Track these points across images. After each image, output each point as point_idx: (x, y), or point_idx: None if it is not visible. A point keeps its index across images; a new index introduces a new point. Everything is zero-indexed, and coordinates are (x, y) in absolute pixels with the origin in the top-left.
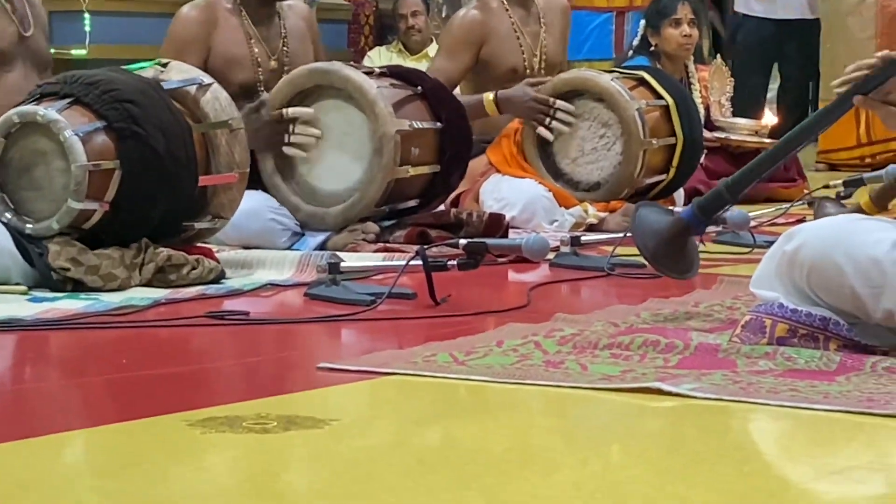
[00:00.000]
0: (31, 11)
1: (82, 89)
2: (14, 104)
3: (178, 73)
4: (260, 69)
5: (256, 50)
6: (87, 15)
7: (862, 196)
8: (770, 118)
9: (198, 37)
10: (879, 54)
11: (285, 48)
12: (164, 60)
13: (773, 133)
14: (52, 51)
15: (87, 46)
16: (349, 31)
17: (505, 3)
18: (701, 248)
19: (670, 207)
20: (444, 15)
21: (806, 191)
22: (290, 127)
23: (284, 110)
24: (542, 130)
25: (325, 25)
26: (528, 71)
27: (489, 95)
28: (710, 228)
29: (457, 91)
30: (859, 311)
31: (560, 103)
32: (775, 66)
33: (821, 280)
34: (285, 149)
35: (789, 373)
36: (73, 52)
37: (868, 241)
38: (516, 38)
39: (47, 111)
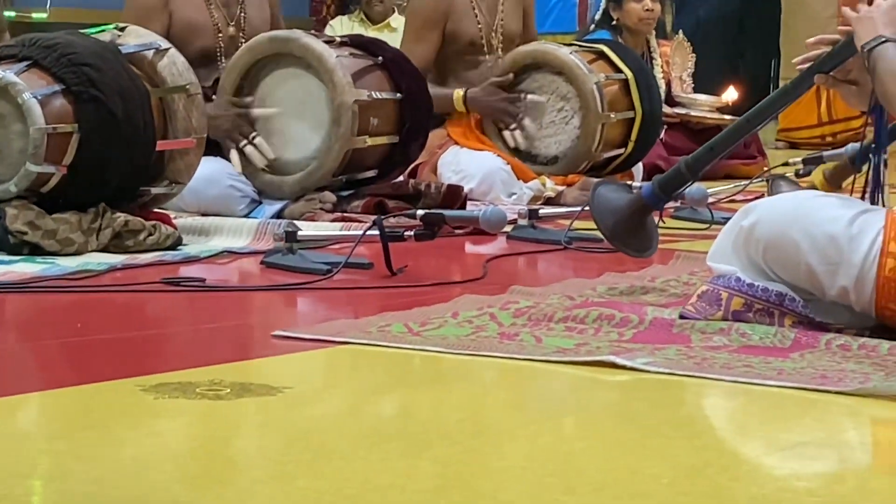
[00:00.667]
0: None
1: (40, 52)
2: None
3: (136, 38)
4: (220, 34)
5: (216, 15)
6: None
7: (817, 175)
8: (731, 94)
9: (158, 3)
10: (841, 28)
11: (243, 14)
12: (122, 25)
13: (734, 109)
14: (13, 14)
15: (47, 10)
16: None
17: None
18: (660, 225)
19: (629, 182)
20: None
21: (765, 168)
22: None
23: (254, 111)
24: (506, 134)
25: None
26: (484, 45)
27: (460, 92)
28: (668, 204)
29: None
30: (815, 287)
31: (531, 98)
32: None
33: (777, 256)
34: (247, 150)
35: (744, 349)
36: (34, 15)
37: (825, 218)
38: (473, 12)
39: (5, 74)
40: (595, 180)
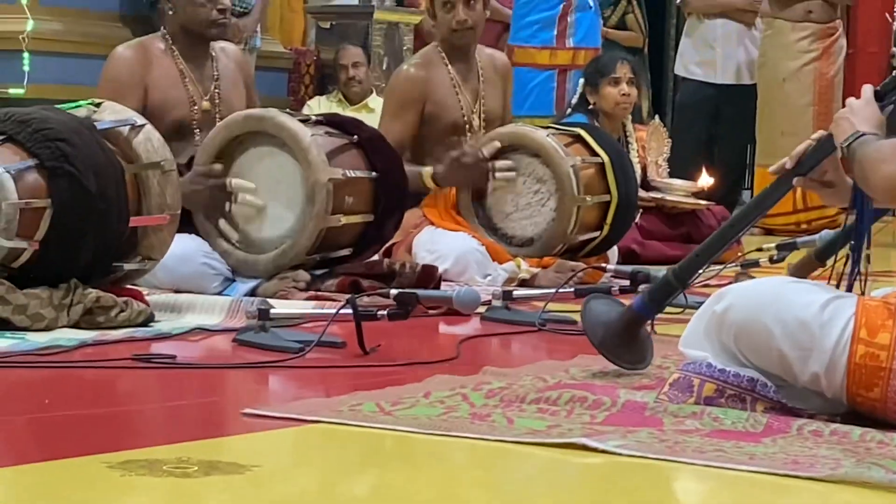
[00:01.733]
0: None
1: (15, 127)
2: None
3: (112, 114)
4: (195, 107)
5: (190, 89)
6: (26, 54)
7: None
8: (706, 180)
9: (133, 76)
10: (814, 136)
11: (217, 90)
12: (98, 100)
13: (710, 194)
14: None
15: (25, 86)
16: (289, 79)
17: (445, 58)
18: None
19: (603, 265)
20: (384, 67)
21: (740, 253)
22: (232, 197)
23: (228, 181)
24: (493, 184)
25: (265, 73)
26: (467, 127)
27: (428, 171)
28: (642, 287)
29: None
30: (787, 373)
31: (486, 148)
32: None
33: (749, 341)
34: (221, 223)
35: (716, 433)
36: (11, 90)
37: (797, 304)
38: (455, 94)
39: None
40: (570, 262)
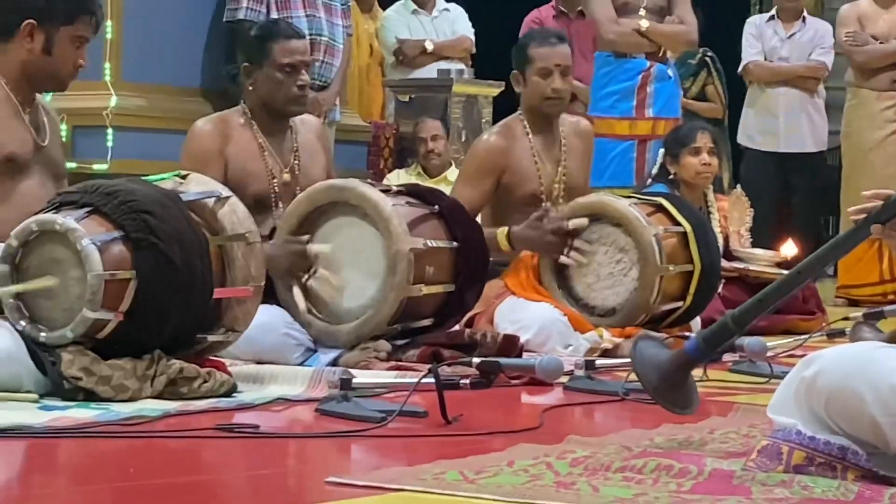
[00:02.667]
0: (47, 121)
1: (101, 199)
2: (30, 211)
3: (197, 185)
4: (274, 181)
5: (270, 162)
6: (109, 130)
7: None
8: (790, 249)
9: (213, 150)
10: None
11: (297, 161)
12: (184, 172)
13: (793, 264)
14: (74, 165)
15: (108, 161)
16: (369, 153)
17: (528, 127)
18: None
19: (686, 333)
20: (463, 139)
21: (825, 324)
22: (312, 268)
23: (309, 246)
24: (563, 259)
25: (345, 147)
26: (544, 197)
27: (503, 231)
28: (727, 357)
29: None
30: (879, 440)
31: (573, 222)
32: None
33: (840, 408)
34: (309, 283)
35: (805, 501)
36: (95, 166)
37: (889, 369)
38: (535, 165)
39: (66, 220)
40: (653, 333)
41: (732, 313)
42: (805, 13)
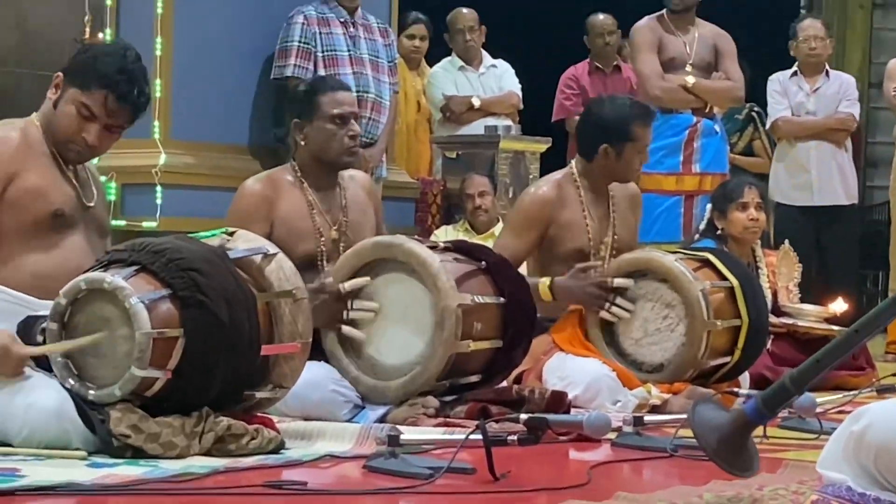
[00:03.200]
0: (93, 182)
1: (149, 257)
2: (76, 267)
3: (244, 243)
4: (322, 239)
5: (318, 220)
6: (158, 187)
7: None
8: (839, 305)
9: (261, 209)
10: None
11: (345, 218)
12: (231, 229)
13: (842, 320)
14: (124, 222)
15: (157, 218)
16: (416, 209)
17: (578, 182)
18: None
19: (735, 389)
20: (510, 195)
21: (875, 380)
22: (349, 303)
23: (341, 285)
24: (603, 314)
25: (393, 203)
26: (593, 253)
27: (546, 281)
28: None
29: (522, 268)
30: None
31: (618, 281)
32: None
33: (889, 462)
34: (344, 329)
35: None
36: (144, 224)
37: None
38: (584, 220)
39: (114, 278)
40: (701, 389)
41: (791, 374)
42: (827, 67)
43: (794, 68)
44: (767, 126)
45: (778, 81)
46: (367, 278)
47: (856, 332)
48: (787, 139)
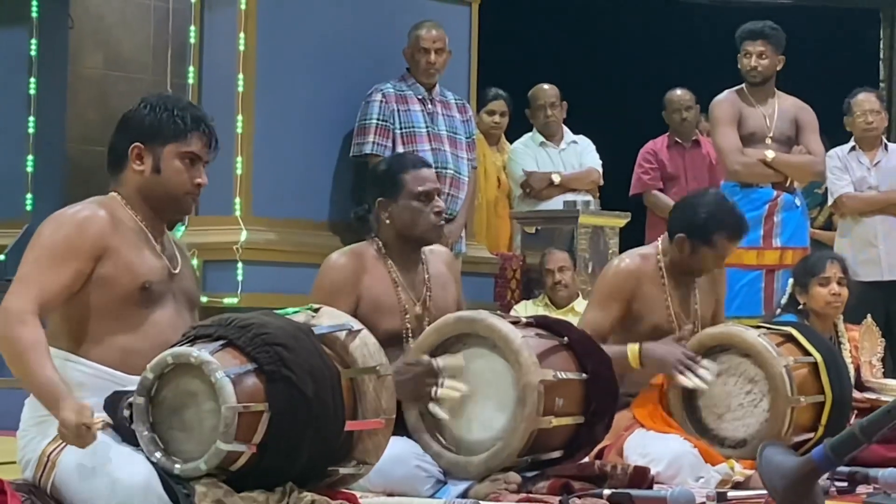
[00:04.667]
0: (178, 252)
1: (235, 332)
2: (165, 341)
3: (329, 319)
4: (407, 316)
5: (403, 296)
6: (240, 264)
7: None
8: None
9: (346, 284)
10: None
11: (429, 293)
12: (316, 305)
13: None
14: (206, 299)
15: (238, 294)
16: (496, 284)
17: (660, 260)
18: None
19: None
20: (590, 270)
21: None
22: (439, 380)
23: (434, 361)
24: (683, 379)
25: (472, 278)
26: (675, 329)
27: (635, 347)
28: (861, 489)
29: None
30: None
31: (705, 362)
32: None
33: None
34: (430, 407)
35: None
36: (226, 300)
37: None
38: (665, 297)
39: (200, 353)
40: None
41: (860, 423)
42: (885, 139)
43: (852, 143)
44: (830, 202)
45: (837, 157)
46: (462, 359)
47: None
48: (850, 216)
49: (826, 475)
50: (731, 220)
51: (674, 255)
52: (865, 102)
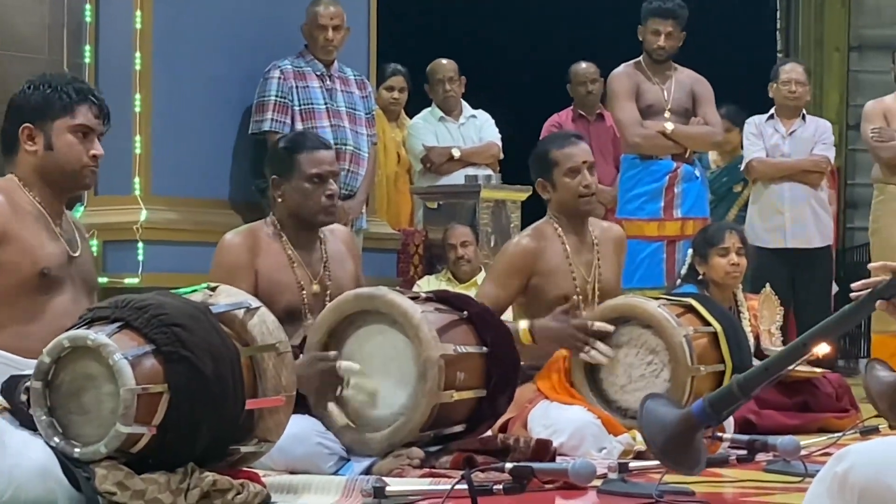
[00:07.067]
0: (77, 234)
1: (132, 313)
2: (63, 326)
3: (227, 297)
4: (304, 293)
5: (299, 274)
6: (140, 244)
7: None
8: (822, 347)
9: (242, 263)
10: None
11: (327, 272)
12: (213, 284)
13: (824, 362)
14: (106, 280)
15: (139, 275)
16: (398, 260)
17: (559, 230)
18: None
19: (720, 434)
20: (492, 244)
21: (858, 422)
22: (344, 381)
23: (339, 364)
24: (583, 356)
25: (374, 255)
26: (580, 300)
27: (525, 325)
28: (760, 457)
29: (506, 315)
30: None
31: (598, 325)
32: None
33: (873, 502)
34: (329, 406)
35: None
36: (126, 280)
37: None
38: (569, 267)
39: (97, 335)
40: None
41: (738, 378)
42: (804, 111)
43: (771, 111)
44: (742, 167)
45: (754, 124)
46: (360, 367)
47: (804, 344)
48: (761, 182)
49: (709, 432)
50: (554, 135)
51: (556, 211)
52: (792, 72)
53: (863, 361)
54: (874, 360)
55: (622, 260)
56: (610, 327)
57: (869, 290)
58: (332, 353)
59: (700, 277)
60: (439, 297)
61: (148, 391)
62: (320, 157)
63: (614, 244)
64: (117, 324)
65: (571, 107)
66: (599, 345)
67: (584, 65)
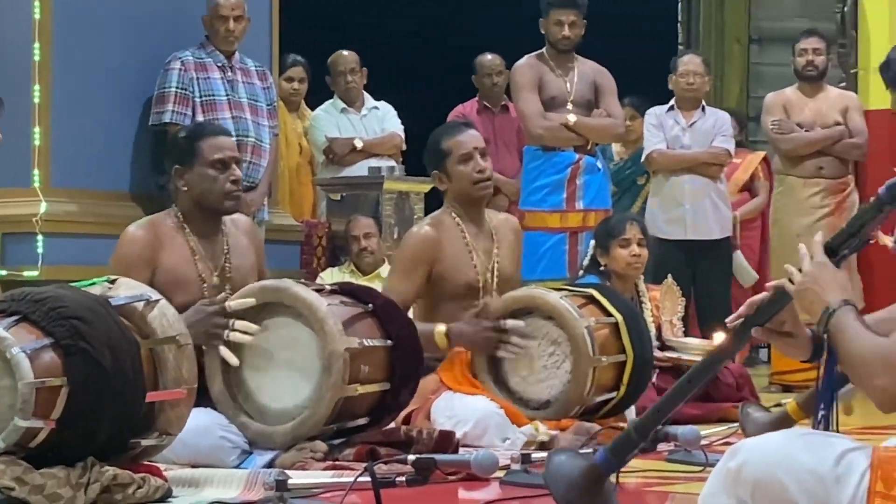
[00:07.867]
0: None
1: (30, 306)
2: None
3: (126, 290)
4: (204, 285)
5: (200, 266)
6: (39, 237)
7: (790, 403)
8: (719, 336)
9: (142, 256)
10: (770, 284)
11: (228, 264)
12: (113, 277)
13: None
14: (5, 272)
15: (39, 268)
16: (301, 251)
17: (458, 219)
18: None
19: (621, 424)
20: (395, 236)
21: None
22: (230, 322)
23: (227, 303)
24: (501, 353)
25: (277, 246)
26: (481, 287)
27: (441, 330)
28: (662, 447)
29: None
30: None
31: (510, 323)
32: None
33: (766, 497)
34: (221, 350)
35: None
36: (26, 273)
37: (811, 457)
38: (469, 255)
39: None
40: (588, 424)
41: (634, 423)
42: (704, 103)
43: (671, 103)
44: (643, 159)
45: (654, 115)
46: (253, 299)
47: (689, 381)
48: (662, 173)
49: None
50: (448, 126)
51: (453, 201)
52: (690, 63)
53: (763, 352)
54: (745, 403)
55: (520, 249)
56: (521, 324)
57: (742, 318)
58: (221, 295)
59: (602, 268)
60: (344, 290)
61: (46, 385)
62: (221, 142)
63: (512, 233)
64: (15, 317)
65: (476, 98)
66: (513, 338)
67: (489, 56)
